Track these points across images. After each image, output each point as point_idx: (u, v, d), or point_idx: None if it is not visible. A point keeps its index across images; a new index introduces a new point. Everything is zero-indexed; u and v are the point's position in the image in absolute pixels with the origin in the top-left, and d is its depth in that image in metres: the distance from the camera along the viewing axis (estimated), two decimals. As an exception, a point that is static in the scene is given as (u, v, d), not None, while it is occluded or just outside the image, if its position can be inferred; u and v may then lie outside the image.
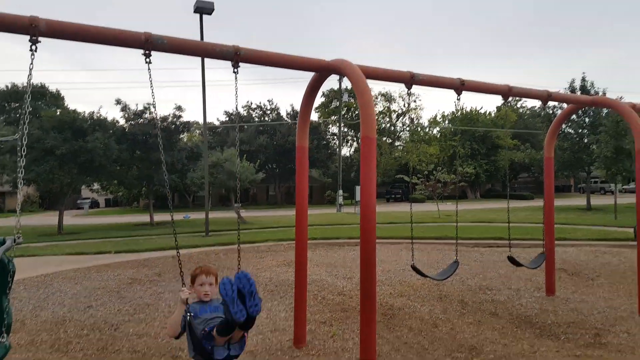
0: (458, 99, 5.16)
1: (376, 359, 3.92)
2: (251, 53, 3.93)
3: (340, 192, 33.54)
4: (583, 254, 10.70)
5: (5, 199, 49.77)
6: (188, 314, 2.89)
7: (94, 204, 56.31)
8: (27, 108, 3.25)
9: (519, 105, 61.03)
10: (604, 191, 52.81)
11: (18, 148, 3.37)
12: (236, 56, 3.83)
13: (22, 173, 3.28)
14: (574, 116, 26.01)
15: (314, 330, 5.34)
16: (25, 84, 51.21)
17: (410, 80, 4.74)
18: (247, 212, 34.97)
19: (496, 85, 5.58)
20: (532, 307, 6.45)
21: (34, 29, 3.21)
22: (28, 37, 3.23)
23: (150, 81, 3.60)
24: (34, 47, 3.24)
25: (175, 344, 4.90)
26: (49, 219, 29.54)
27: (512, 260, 5.89)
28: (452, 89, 5.16)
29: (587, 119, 26.52)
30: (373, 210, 3.86)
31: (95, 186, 27.60)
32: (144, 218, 29.90)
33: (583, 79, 27.93)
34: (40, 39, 3.27)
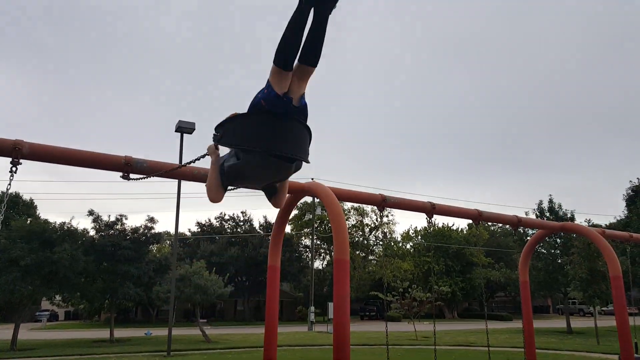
0: (429, 222, 5.36)
1: None
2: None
3: (312, 308, 32.38)
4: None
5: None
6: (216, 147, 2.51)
7: (53, 317, 52.69)
8: None
9: (490, 223, 62.99)
10: (582, 312, 52.47)
11: None
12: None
13: None
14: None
15: None
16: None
17: (381, 202, 4.96)
18: (213, 328, 33.04)
19: (466, 209, 5.85)
20: None
21: (17, 152, 3.30)
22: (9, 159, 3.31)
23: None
24: (14, 169, 3.29)
25: None
26: (2, 332, 27.20)
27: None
28: (423, 212, 5.39)
29: (558, 240, 27.29)
30: (347, 337, 3.77)
31: (57, 298, 26.10)
32: (104, 334, 27.83)
33: (550, 201, 29.39)
34: (21, 160, 3.36)
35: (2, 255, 19.44)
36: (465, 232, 55.90)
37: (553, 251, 27.44)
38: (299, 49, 2.31)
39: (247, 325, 39.41)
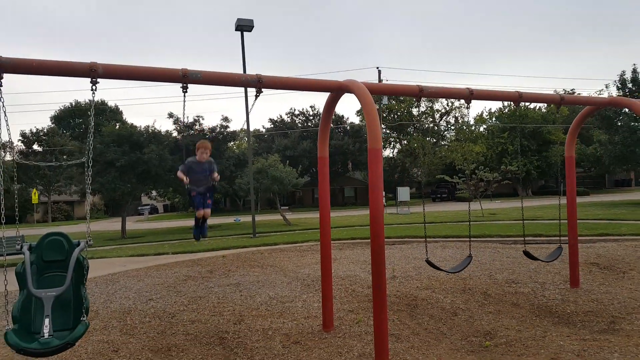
0: (468, 107, 5.63)
1: (388, 339, 4.51)
2: (272, 79, 4.66)
3: (383, 193, 33.81)
4: (621, 249, 10.64)
5: (74, 208, 53.86)
6: (187, 184, 5.22)
7: (153, 210, 59.72)
8: (90, 144, 4.12)
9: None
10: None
11: (85, 164, 4.24)
12: (259, 84, 4.57)
13: (89, 183, 4.17)
14: (625, 109, 25.04)
15: (342, 317, 5.99)
16: (87, 101, 54.88)
17: (419, 93, 5.29)
18: (293, 214, 36.07)
19: (507, 92, 5.99)
20: (555, 298, 6.76)
21: (94, 73, 4.03)
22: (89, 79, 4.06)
23: (184, 113, 4.74)
24: (94, 88, 4.06)
25: (222, 328, 5.72)
26: (113, 224, 31.87)
27: (527, 254, 6.26)
28: (461, 98, 5.66)
29: None
30: (381, 212, 4.45)
31: (154, 193, 29.57)
32: (198, 222, 31.53)
33: (634, 70, 26.82)
34: (99, 80, 4.10)
35: (99, 159, 22.03)
36: (543, 110, 52.75)
37: (633, 124, 25.65)
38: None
39: (323, 210, 42.16)
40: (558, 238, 7.58)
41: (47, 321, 3.40)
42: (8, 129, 3.99)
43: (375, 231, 4.42)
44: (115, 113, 56.26)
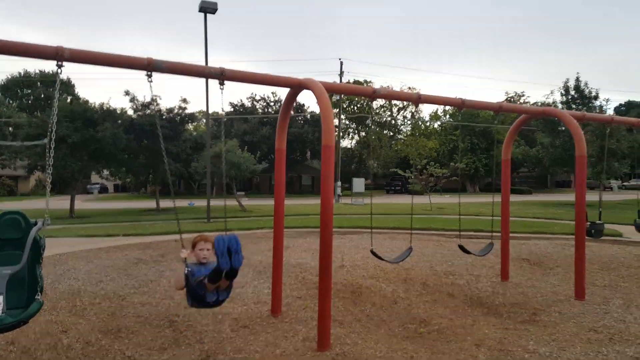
0: (415, 112, 6.02)
1: (331, 322, 4.87)
2: (234, 73, 4.85)
3: (339, 183, 34.49)
4: (552, 247, 11.53)
5: (18, 183, 51.20)
6: (186, 269, 3.87)
7: (103, 189, 57.76)
8: (53, 128, 4.19)
9: (521, 101, 61.47)
10: (603, 187, 53.30)
11: (46, 145, 4.29)
12: (222, 76, 4.74)
13: (51, 164, 4.22)
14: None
15: (290, 303, 6.31)
16: (37, 71, 52.04)
17: (372, 94, 5.63)
18: (249, 200, 36.01)
19: (451, 98, 6.44)
20: (486, 290, 7.38)
21: (60, 57, 4.09)
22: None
23: (152, 97, 4.70)
24: (59, 71, 4.14)
25: (173, 311, 5.91)
26: (60, 203, 30.67)
27: (462, 248, 6.80)
28: (410, 101, 6.06)
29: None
30: (331, 205, 4.77)
31: (105, 172, 28.76)
32: (151, 204, 31.00)
33: (577, 79, 28.67)
34: (64, 63, 4.17)
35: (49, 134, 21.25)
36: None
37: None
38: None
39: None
40: (490, 234, 8.21)
41: (1, 299, 3.49)
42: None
43: (325, 222, 4.73)
44: (68, 86, 53.77)
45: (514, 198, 40.38)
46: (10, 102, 50.68)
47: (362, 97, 51.10)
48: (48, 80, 53.30)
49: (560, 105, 30.19)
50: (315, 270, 8.39)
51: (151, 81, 4.52)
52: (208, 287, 3.71)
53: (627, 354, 4.62)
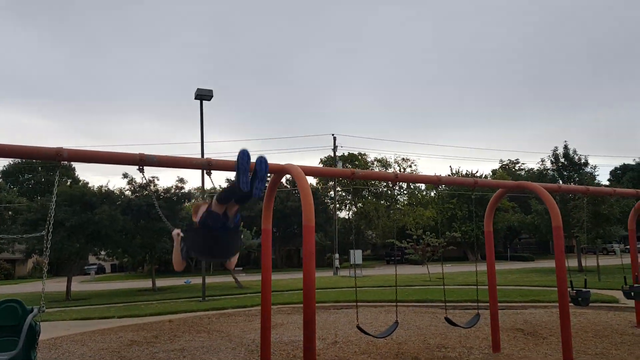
0: (392, 189, 6.45)
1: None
2: (220, 163, 5.35)
3: (337, 255, 34.43)
4: (547, 315, 11.53)
5: (15, 266, 50.77)
6: (180, 234, 3.82)
7: (100, 270, 57.12)
8: (52, 215, 4.58)
9: (516, 168, 62.84)
10: (606, 251, 52.85)
11: (45, 231, 4.65)
12: (209, 166, 5.23)
13: (47, 253, 4.55)
14: (560, 182, 27.52)
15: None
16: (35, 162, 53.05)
17: (351, 176, 6.11)
18: (247, 275, 35.64)
19: (428, 176, 6.96)
20: (477, 362, 7.40)
21: (60, 157, 4.58)
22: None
23: (147, 184, 5.14)
24: (58, 173, 4.60)
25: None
26: (57, 285, 30.44)
27: (448, 320, 6.93)
28: (388, 180, 6.52)
29: (571, 184, 27.87)
30: (313, 282, 5.03)
31: (102, 253, 28.86)
32: (147, 283, 30.68)
33: (565, 147, 29.72)
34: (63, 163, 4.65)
35: (47, 218, 21.73)
36: (489, 177, 56.15)
37: (569, 196, 28.06)
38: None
39: (279, 272, 41.88)
40: (477, 305, 8.32)
41: None
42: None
43: (308, 297, 4.97)
44: (68, 169, 55.14)
45: (514, 265, 40.17)
46: (12, 187, 51.66)
47: (357, 166, 52.32)
48: (49, 165, 54.82)
49: (551, 173, 30.99)
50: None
51: (143, 176, 5.02)
52: (215, 206, 3.40)
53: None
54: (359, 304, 14.82)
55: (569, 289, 7.08)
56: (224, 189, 3.47)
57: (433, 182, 6.65)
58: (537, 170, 33.63)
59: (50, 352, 8.45)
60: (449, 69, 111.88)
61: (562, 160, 29.05)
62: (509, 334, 9.17)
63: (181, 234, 3.86)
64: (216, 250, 3.71)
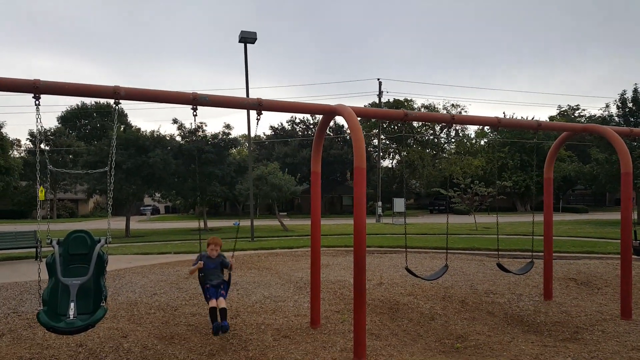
0: (448, 132, 6.21)
1: (365, 336, 5.09)
2: (271, 103, 5.29)
3: (380, 203, 34.48)
4: (602, 267, 11.13)
5: (78, 205, 54.61)
6: (201, 275, 5.46)
7: (155, 211, 60.40)
8: (113, 157, 4.77)
9: (576, 115, 59.15)
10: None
11: (107, 174, 4.89)
12: (260, 107, 5.19)
13: (112, 189, 4.78)
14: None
15: (328, 316, 6.56)
16: (93, 103, 55.68)
17: (404, 117, 5.90)
18: (290, 220, 36.63)
19: (486, 117, 6.59)
20: (527, 308, 7.31)
21: (117, 95, 4.66)
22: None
23: (197, 126, 5.21)
24: (116, 108, 4.70)
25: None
26: (116, 223, 32.48)
27: (501, 267, 6.82)
28: (443, 122, 6.27)
29: None
30: (364, 226, 5.02)
31: (157, 195, 30.35)
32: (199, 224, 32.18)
33: (635, 90, 27.38)
34: (121, 101, 4.74)
35: (106, 161, 22.83)
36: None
37: (635, 143, 26.25)
38: None
39: (322, 217, 42.76)
40: (531, 253, 8.10)
41: (72, 305, 4.03)
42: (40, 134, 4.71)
43: (359, 242, 5.00)
44: (121, 116, 57.18)
45: (567, 217, 38.87)
46: (70, 132, 54.38)
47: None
48: (103, 111, 57.13)
49: (617, 119, 28.98)
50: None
51: (196, 114, 5.04)
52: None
53: (669, 372, 4.54)
54: (402, 250, 14.97)
55: (632, 240, 6.73)
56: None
57: (492, 124, 6.33)
58: (600, 116, 31.44)
59: (115, 282, 9.13)
60: (499, 3, 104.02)
61: (630, 104, 26.89)
62: (561, 283, 8.98)
63: (201, 257, 5.53)
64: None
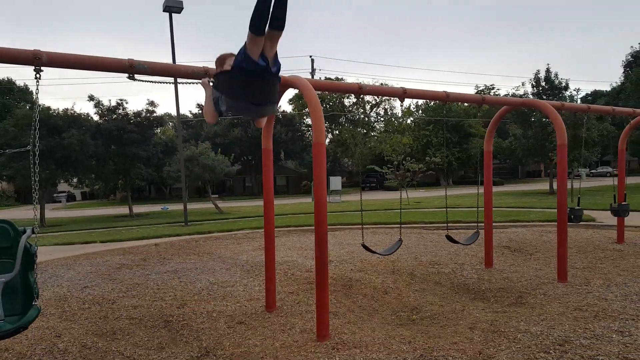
0: (401, 106, 6.12)
1: (328, 315, 4.92)
2: (215, 71, 4.81)
3: (326, 184, 34.59)
4: (530, 234, 11.89)
5: (-21, 194, 49.28)
6: (209, 81, 3.55)
7: (71, 198, 56.09)
8: (37, 134, 4.10)
9: (491, 94, 62.91)
10: (572, 176, 55.09)
11: (31, 162, 4.19)
12: (206, 75, 4.71)
13: (36, 179, 4.10)
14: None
15: (283, 298, 6.32)
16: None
17: (358, 90, 5.69)
18: (224, 202, 35.69)
19: (435, 92, 6.55)
20: (471, 277, 7.56)
21: (38, 61, 3.95)
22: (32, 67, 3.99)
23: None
24: (38, 76, 3.99)
25: (166, 312, 5.83)
26: (27, 212, 29.71)
27: (449, 238, 6.96)
28: (396, 97, 6.14)
29: None
30: (324, 203, 4.80)
31: (73, 180, 28.03)
32: (123, 210, 30.32)
33: (547, 70, 29.41)
34: (42, 68, 4.04)
35: (13, 143, 20.58)
36: (465, 105, 56.13)
37: (544, 120, 28.33)
38: (269, 16, 2.87)
39: (256, 199, 42.12)
40: (476, 224, 8.38)
41: None
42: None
43: (320, 219, 4.77)
44: (25, 93, 52.04)
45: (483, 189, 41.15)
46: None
47: (334, 95, 51.32)
48: (3, 88, 51.61)
49: (531, 97, 31.11)
50: (303, 266, 8.45)
51: (133, 79, 4.43)
52: (250, 46, 2.97)
53: (613, 328, 4.83)
54: (343, 227, 15.05)
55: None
56: (254, 10, 2.80)
57: (441, 98, 6.33)
58: (513, 95, 33.60)
59: (38, 275, 8.18)
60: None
61: (543, 83, 28.93)
62: (497, 251, 9.40)
63: (212, 82, 3.48)
64: (259, 94, 3.20)
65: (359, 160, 47.72)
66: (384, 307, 6.12)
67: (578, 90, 28.93)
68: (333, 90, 5.59)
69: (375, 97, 55.23)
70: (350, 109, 53.65)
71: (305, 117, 54.58)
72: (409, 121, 54.60)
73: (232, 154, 28.86)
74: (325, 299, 4.73)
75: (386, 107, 55.86)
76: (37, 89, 4.12)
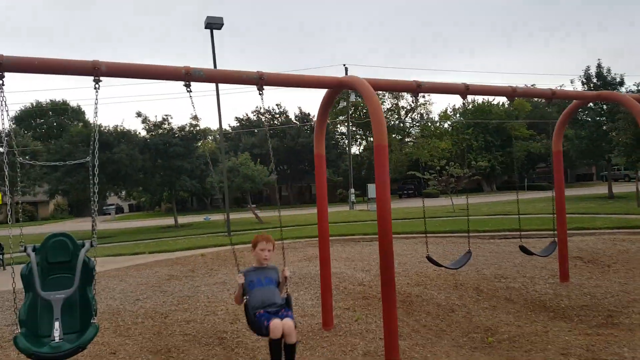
0: (463, 103, 5.62)
1: (398, 340, 4.46)
2: (273, 77, 4.55)
3: (352, 190, 34.12)
4: (601, 243, 10.86)
5: (38, 208, 51.62)
6: (245, 298, 3.73)
7: (119, 210, 58.08)
8: (96, 143, 3.95)
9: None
10: (628, 178, 51.68)
11: (90, 174, 4.05)
12: (261, 81, 4.43)
13: (96, 191, 3.96)
14: (590, 104, 25.69)
15: (339, 315, 5.91)
16: (48, 100, 53.04)
17: (416, 89, 5.25)
18: (261, 212, 35.76)
19: (500, 87, 6.05)
20: (546, 292, 6.81)
21: (97, 71, 3.85)
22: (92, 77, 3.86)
23: (193, 106, 4.40)
24: (97, 86, 3.88)
25: (219, 328, 5.55)
26: (79, 225, 30.81)
27: (523, 249, 6.33)
28: (457, 94, 5.66)
29: (604, 106, 25.97)
30: (389, 211, 4.38)
31: (123, 193, 28.94)
32: (168, 221, 30.85)
33: (598, 66, 27.52)
34: (101, 78, 3.90)
35: (68, 159, 21.36)
36: (506, 106, 54.17)
37: (598, 119, 26.63)
38: None
39: (293, 208, 42.09)
40: (553, 232, 7.63)
41: (57, 324, 3.29)
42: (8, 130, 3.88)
43: (384, 229, 4.36)
44: (78, 113, 54.62)
45: (533, 195, 39.24)
46: (25, 132, 51.46)
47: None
48: (59, 108, 54.42)
49: None
50: (355, 279, 8.00)
51: (190, 91, 4.24)
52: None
53: None
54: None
55: None
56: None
57: (507, 93, 5.81)
58: None
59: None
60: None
61: (595, 80, 27.16)
62: (569, 263, 8.63)
63: (243, 281, 3.77)
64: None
65: (394, 166, 46.74)
66: (452, 327, 5.57)
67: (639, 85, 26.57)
68: (391, 89, 5.20)
69: (410, 102, 54.18)
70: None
71: (339, 125, 54.15)
72: (446, 125, 53.23)
73: (272, 164, 28.90)
74: (394, 321, 4.30)
75: (422, 112, 54.76)
76: (97, 99, 4.02)
